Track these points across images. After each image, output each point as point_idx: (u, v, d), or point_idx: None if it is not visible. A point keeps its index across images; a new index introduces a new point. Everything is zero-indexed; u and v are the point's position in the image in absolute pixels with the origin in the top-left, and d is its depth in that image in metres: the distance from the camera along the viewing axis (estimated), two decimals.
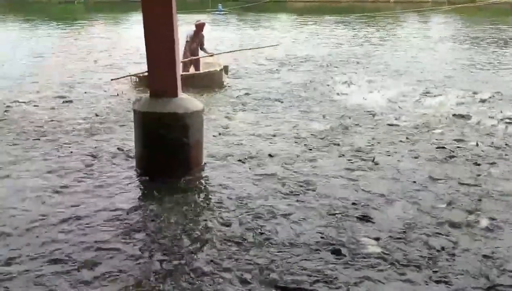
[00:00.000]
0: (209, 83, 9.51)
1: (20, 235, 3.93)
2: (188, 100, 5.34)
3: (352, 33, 18.95)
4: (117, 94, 9.04)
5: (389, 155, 5.83)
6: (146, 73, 9.17)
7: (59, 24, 22.59)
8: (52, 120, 7.23)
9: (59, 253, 3.67)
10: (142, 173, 5.23)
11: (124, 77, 10.03)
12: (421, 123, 7.13)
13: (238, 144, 6.21)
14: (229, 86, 9.82)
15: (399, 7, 30.33)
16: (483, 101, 8.40)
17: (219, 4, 30.03)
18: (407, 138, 6.45)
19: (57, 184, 4.95)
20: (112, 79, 9.85)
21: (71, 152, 5.90)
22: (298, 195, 4.73)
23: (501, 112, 7.63)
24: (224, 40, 15.72)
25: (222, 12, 28.70)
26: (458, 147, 6.11)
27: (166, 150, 5.08)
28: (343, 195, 4.70)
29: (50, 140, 6.33)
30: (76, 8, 37.22)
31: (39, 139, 6.38)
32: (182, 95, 5.32)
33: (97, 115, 7.57)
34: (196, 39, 10.08)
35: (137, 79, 9.86)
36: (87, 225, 4.12)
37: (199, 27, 10.13)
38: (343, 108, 8.02)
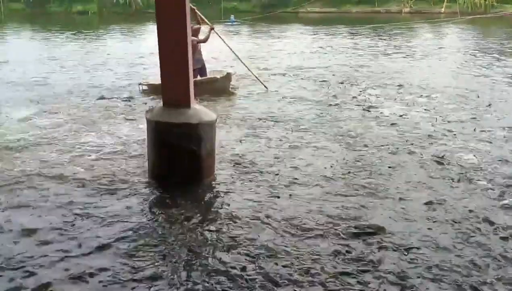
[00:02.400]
0: (211, 90, 9.56)
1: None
2: (201, 111, 5.34)
3: (364, 43, 18.92)
4: None
5: None
6: (154, 82, 9.77)
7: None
8: None
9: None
10: (154, 182, 5.23)
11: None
12: None
13: None
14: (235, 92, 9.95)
15: (416, 18, 30.21)
16: None
17: (232, 15, 30.22)
18: None
19: None
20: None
21: None
22: None
23: None
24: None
25: (234, 23, 28.84)
26: None
27: (178, 160, 5.08)
28: None
29: None
30: (90, 18, 37.82)
31: None
32: (195, 105, 5.32)
33: None
34: (196, 47, 10.06)
35: (145, 88, 10.15)
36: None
37: (195, 32, 10.10)
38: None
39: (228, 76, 10.05)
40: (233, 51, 10.60)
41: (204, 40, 10.16)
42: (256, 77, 10.49)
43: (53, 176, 5.44)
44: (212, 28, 10.08)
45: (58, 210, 4.61)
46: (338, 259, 3.75)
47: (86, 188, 5.13)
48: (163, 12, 5.10)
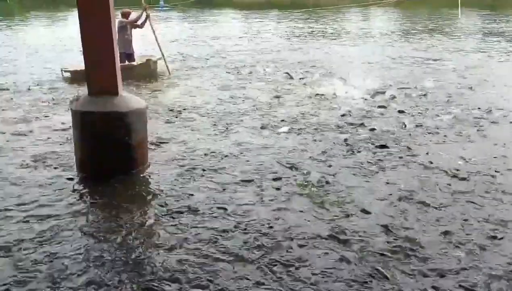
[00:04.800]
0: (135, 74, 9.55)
1: None
2: (130, 98, 5.13)
3: (293, 27, 19.13)
4: None
5: None
6: (76, 68, 9.47)
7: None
8: None
9: None
10: (83, 176, 4.98)
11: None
12: None
13: None
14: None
15: (345, 1, 30.88)
16: None
17: (161, 0, 29.26)
18: None
19: None
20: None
21: None
22: None
23: None
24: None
25: (164, 8, 28.02)
26: None
27: (108, 151, 4.86)
28: None
29: None
30: (10, 5, 35.41)
31: None
32: (123, 93, 5.10)
33: None
34: (128, 30, 9.78)
35: (67, 74, 9.86)
36: None
37: (125, 15, 9.91)
38: None
39: (148, 62, 10.05)
40: (154, 34, 10.21)
41: (140, 25, 9.90)
42: (165, 61, 10.30)
43: None
44: (145, 9, 9.81)
45: None
46: None
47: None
48: None
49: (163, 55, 10.30)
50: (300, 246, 3.69)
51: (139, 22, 9.98)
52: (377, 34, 17.33)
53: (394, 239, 3.78)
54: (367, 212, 4.22)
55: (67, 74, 9.89)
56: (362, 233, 3.87)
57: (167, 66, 10.27)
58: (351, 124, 6.76)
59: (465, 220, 4.10)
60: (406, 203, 4.40)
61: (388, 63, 11.66)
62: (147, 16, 9.86)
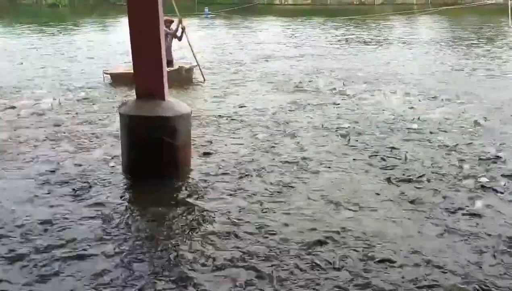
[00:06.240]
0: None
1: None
2: (176, 103, 5.26)
3: (336, 34, 19.03)
4: None
5: None
6: (116, 71, 10.33)
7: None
8: None
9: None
10: (130, 177, 5.13)
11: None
12: None
13: None
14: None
15: (389, 9, 30.57)
16: None
17: (206, 8, 29.89)
18: None
19: None
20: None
21: None
22: None
23: None
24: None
25: (209, 16, 28.59)
26: None
27: (154, 153, 4.99)
28: None
29: None
30: (62, 11, 36.92)
31: None
32: (169, 98, 5.24)
33: None
34: (168, 37, 10.01)
35: (108, 77, 10.36)
36: None
37: (166, 23, 10.11)
38: None
39: (181, 70, 10.18)
40: (189, 44, 10.49)
41: (179, 38, 10.23)
42: (200, 69, 10.57)
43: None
44: (180, 21, 10.10)
45: None
46: None
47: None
48: (136, 4, 4.99)
49: (198, 63, 10.59)
50: None
51: (178, 34, 10.25)
52: (429, 42, 16.97)
53: None
54: None
55: (107, 77, 10.42)
56: None
57: (202, 74, 10.54)
58: None
59: None
60: None
61: None
62: (183, 29, 10.15)
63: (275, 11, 33.51)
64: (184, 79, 10.18)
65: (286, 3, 40.12)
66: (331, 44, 16.66)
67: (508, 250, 3.71)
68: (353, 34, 19.39)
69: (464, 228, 4.06)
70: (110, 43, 16.78)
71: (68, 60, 13.58)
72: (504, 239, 3.85)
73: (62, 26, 23.77)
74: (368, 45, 16.41)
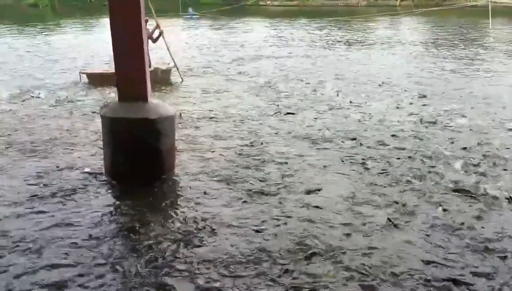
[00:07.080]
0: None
1: None
2: (159, 105, 5.18)
3: (321, 34, 19.07)
4: None
5: None
6: (93, 71, 10.46)
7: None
8: None
9: None
10: (111, 180, 5.04)
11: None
12: None
13: None
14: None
15: (372, 10, 30.71)
16: None
17: (190, 8, 29.34)
18: None
19: None
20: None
21: None
22: None
23: None
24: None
25: (193, 16, 28.14)
26: None
27: (138, 156, 4.90)
28: None
29: None
30: (43, 12, 36.37)
31: None
32: (152, 99, 5.15)
33: None
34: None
35: (85, 78, 10.38)
36: None
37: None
38: None
39: (156, 71, 10.15)
40: (167, 46, 10.43)
41: (153, 41, 10.12)
42: (177, 69, 10.59)
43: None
44: (158, 26, 9.99)
45: None
46: None
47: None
48: (117, 3, 4.90)
49: (175, 64, 10.59)
50: None
51: (154, 36, 10.09)
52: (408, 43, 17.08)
53: None
54: None
55: (84, 77, 10.44)
56: None
57: (180, 74, 10.57)
58: None
59: None
60: None
61: None
62: (161, 33, 10.03)
63: (260, 12, 33.43)
64: (160, 80, 10.12)
65: (271, 4, 40.12)
66: (315, 45, 16.67)
67: None
68: (337, 35, 19.44)
69: None
70: (91, 44, 16.54)
71: (45, 61, 13.43)
72: None
73: (43, 26, 23.41)
74: (351, 46, 16.49)
